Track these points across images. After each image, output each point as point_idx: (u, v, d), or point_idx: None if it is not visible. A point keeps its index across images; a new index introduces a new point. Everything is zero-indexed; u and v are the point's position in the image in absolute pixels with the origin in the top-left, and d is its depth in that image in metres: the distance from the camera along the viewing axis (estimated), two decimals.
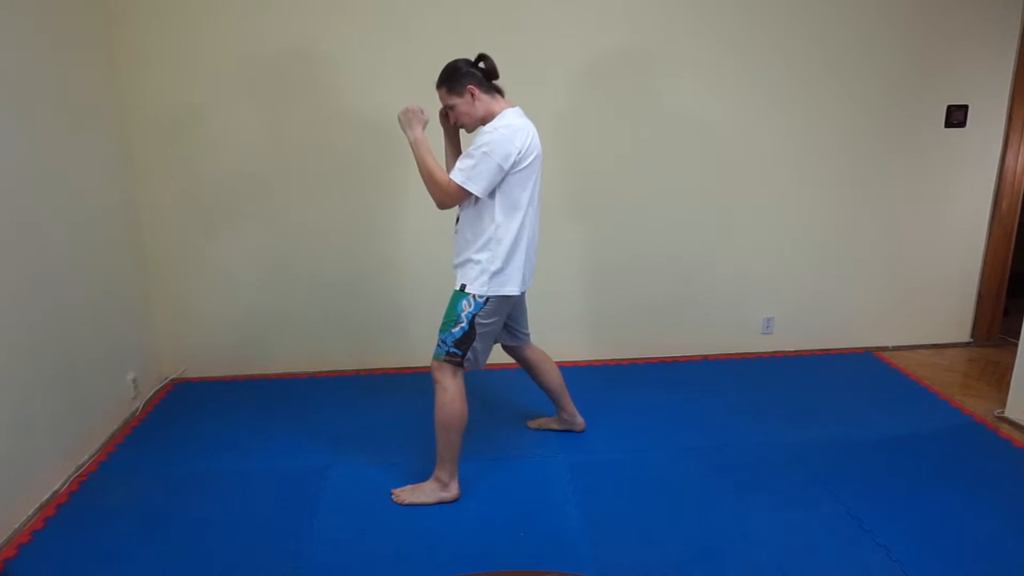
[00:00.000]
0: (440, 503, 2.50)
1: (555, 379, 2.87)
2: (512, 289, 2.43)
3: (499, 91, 2.41)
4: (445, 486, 2.51)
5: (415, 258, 3.52)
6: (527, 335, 2.78)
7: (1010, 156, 3.71)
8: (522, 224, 2.38)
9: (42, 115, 2.61)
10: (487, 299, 2.40)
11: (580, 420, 2.98)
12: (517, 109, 2.40)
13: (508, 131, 2.29)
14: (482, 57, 2.38)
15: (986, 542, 2.28)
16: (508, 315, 2.59)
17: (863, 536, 2.31)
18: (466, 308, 2.41)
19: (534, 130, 2.38)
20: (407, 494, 2.52)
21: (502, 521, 2.41)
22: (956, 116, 3.63)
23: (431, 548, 2.28)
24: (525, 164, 2.32)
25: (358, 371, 3.66)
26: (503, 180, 2.31)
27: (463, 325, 2.41)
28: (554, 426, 3.01)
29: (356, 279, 3.54)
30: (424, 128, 2.39)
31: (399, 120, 2.39)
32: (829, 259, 3.78)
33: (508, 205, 2.35)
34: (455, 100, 2.36)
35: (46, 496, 2.55)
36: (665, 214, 3.60)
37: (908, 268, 3.84)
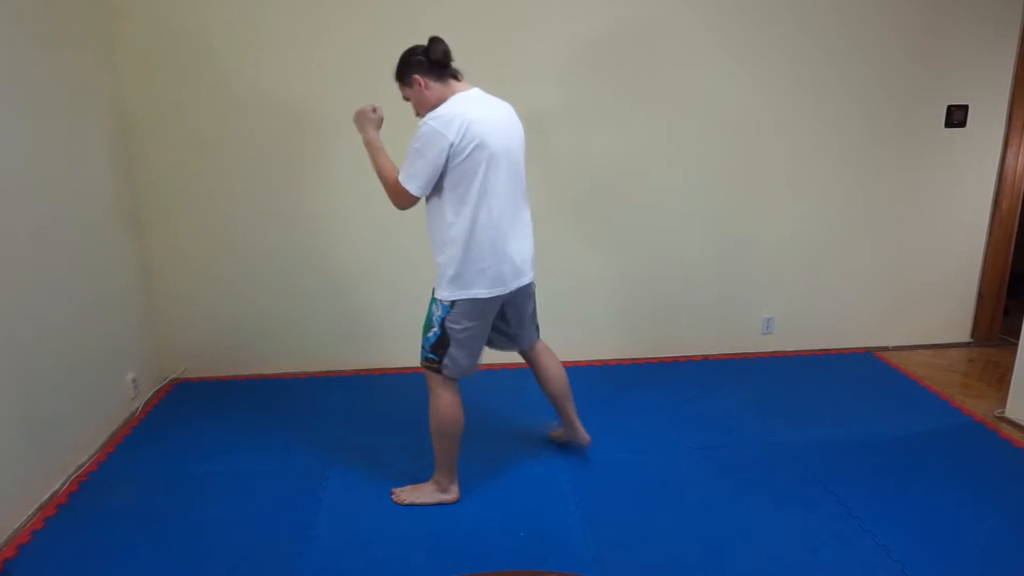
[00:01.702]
0: (440, 504, 2.49)
1: (558, 387, 2.66)
2: (480, 292, 2.26)
3: (454, 76, 2.25)
4: (445, 489, 2.50)
5: (417, 257, 3.51)
6: (524, 337, 2.58)
7: (1010, 156, 3.71)
8: (475, 220, 2.19)
9: (42, 115, 2.61)
10: (453, 303, 2.28)
11: (584, 434, 2.76)
12: (470, 92, 2.23)
13: (439, 122, 2.12)
14: (432, 40, 2.22)
15: (986, 542, 2.29)
16: (500, 317, 2.47)
17: (863, 536, 2.31)
18: (436, 312, 2.31)
19: (483, 113, 2.18)
20: (407, 494, 2.52)
21: (502, 521, 2.41)
22: (956, 116, 3.63)
23: (431, 548, 2.28)
24: (465, 155, 2.13)
25: (358, 371, 3.65)
26: (446, 175, 2.17)
27: (435, 330, 2.31)
28: (564, 436, 2.85)
29: (357, 279, 3.53)
30: (379, 127, 2.32)
31: (354, 122, 2.33)
32: (829, 259, 3.78)
33: (456, 201, 2.19)
34: (407, 91, 2.28)
35: (46, 496, 2.55)
36: (665, 214, 3.60)
37: (908, 268, 3.84)
